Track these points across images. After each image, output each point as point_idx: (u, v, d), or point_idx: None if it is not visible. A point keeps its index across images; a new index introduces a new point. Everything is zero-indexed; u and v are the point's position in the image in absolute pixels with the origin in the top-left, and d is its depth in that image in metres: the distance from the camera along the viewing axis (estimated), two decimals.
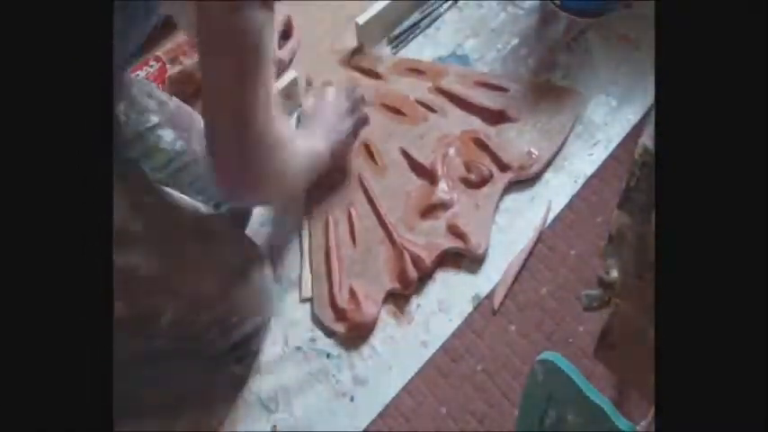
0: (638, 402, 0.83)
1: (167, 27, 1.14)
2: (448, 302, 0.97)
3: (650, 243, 0.57)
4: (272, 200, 0.99)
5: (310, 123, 0.99)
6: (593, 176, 1.05)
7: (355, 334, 0.95)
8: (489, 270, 0.99)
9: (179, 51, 1.14)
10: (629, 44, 1.15)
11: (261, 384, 0.93)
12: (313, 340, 0.95)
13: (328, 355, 0.94)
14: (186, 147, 0.91)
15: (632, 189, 0.57)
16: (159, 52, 1.14)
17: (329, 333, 0.96)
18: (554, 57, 1.15)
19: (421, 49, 1.19)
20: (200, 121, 0.93)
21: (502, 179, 1.03)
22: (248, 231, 1.01)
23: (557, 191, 1.04)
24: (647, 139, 0.54)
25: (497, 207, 1.02)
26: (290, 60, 1.10)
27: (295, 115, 1.11)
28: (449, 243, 0.99)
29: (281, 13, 1.10)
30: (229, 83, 0.67)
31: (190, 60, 1.13)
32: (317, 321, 0.96)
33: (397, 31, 1.20)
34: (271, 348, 0.95)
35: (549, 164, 1.05)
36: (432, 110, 1.11)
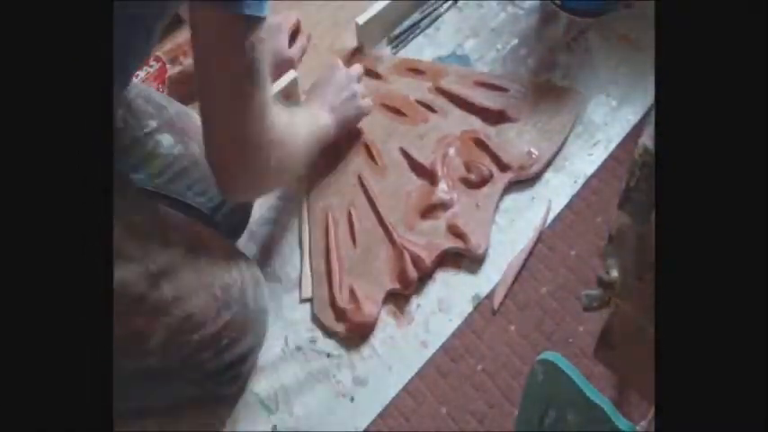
0: (638, 402, 0.83)
1: (167, 27, 1.14)
2: (448, 302, 0.97)
3: (650, 243, 0.56)
4: (274, 190, 1.02)
5: (317, 92, 1.00)
6: (593, 176, 1.05)
7: (355, 334, 0.95)
8: (489, 270, 0.99)
9: (179, 51, 1.14)
10: (629, 44, 1.15)
11: (261, 384, 0.93)
12: (313, 340, 0.95)
13: (328, 355, 0.94)
14: (185, 151, 0.90)
15: (632, 189, 0.57)
16: (159, 52, 1.14)
17: (329, 333, 0.96)
18: (554, 57, 1.15)
19: (421, 50, 1.19)
20: (199, 124, 0.93)
21: (502, 179, 1.03)
22: (247, 232, 1.01)
23: (557, 191, 1.04)
24: (647, 139, 0.54)
25: (497, 207, 1.02)
26: (300, 58, 1.10)
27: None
28: (449, 243, 0.99)
29: (288, 14, 1.10)
30: (223, 92, 0.68)
31: (190, 60, 1.13)
32: (317, 321, 0.96)
33: (397, 32, 1.20)
34: (271, 348, 0.95)
35: (549, 164, 1.05)
36: (432, 110, 1.11)
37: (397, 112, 1.11)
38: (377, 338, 0.95)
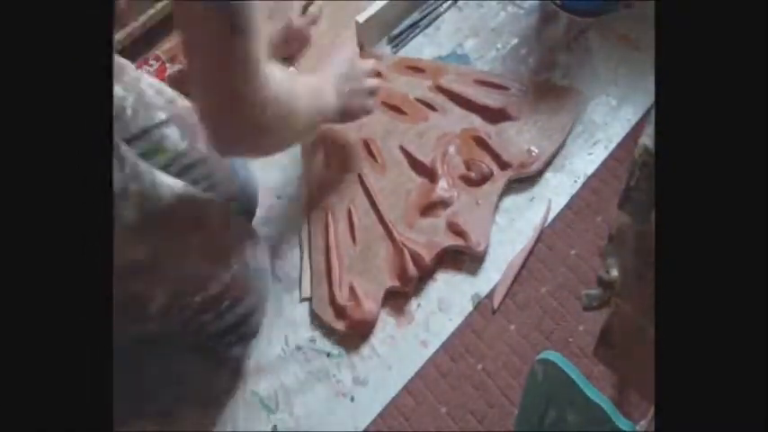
0: (638, 402, 0.83)
1: (167, 27, 1.14)
2: (448, 302, 0.97)
3: (650, 243, 0.56)
4: (271, 152, 0.93)
5: (327, 73, 0.96)
6: (593, 176, 1.05)
7: (355, 332, 0.95)
8: (489, 269, 0.99)
9: (179, 51, 1.14)
10: (629, 44, 1.15)
11: (261, 384, 0.93)
12: (313, 340, 0.95)
13: (328, 355, 0.94)
14: (191, 146, 0.90)
15: (632, 189, 0.57)
16: (159, 52, 1.14)
17: (329, 332, 0.96)
18: (554, 56, 1.15)
19: (421, 49, 1.19)
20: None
21: (502, 177, 1.03)
22: None
23: (557, 190, 1.04)
24: (647, 139, 0.54)
25: (497, 206, 1.02)
26: (310, 32, 1.07)
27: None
28: (449, 241, 0.99)
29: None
30: (205, 49, 0.65)
31: None
32: (317, 321, 0.96)
33: (396, 31, 1.20)
34: (271, 348, 0.95)
35: (549, 163, 1.05)
36: (432, 108, 1.11)
37: (397, 110, 1.11)
38: (377, 338, 0.95)
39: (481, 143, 1.06)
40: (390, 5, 1.16)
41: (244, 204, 0.96)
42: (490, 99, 1.10)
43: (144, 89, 0.87)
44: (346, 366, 0.93)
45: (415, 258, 0.97)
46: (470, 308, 0.96)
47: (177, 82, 1.12)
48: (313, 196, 1.05)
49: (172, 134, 0.88)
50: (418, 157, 1.05)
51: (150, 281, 0.75)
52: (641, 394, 0.80)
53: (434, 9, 1.22)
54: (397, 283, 0.97)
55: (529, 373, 0.69)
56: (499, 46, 1.18)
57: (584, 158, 1.06)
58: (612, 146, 1.07)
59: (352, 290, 0.96)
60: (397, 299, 0.97)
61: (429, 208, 1.01)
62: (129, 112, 0.84)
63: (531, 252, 0.99)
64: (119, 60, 0.87)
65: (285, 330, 0.96)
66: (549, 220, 1.02)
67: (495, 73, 1.14)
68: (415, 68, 1.15)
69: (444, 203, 1.01)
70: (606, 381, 0.87)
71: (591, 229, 1.01)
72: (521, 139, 1.06)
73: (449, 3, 1.23)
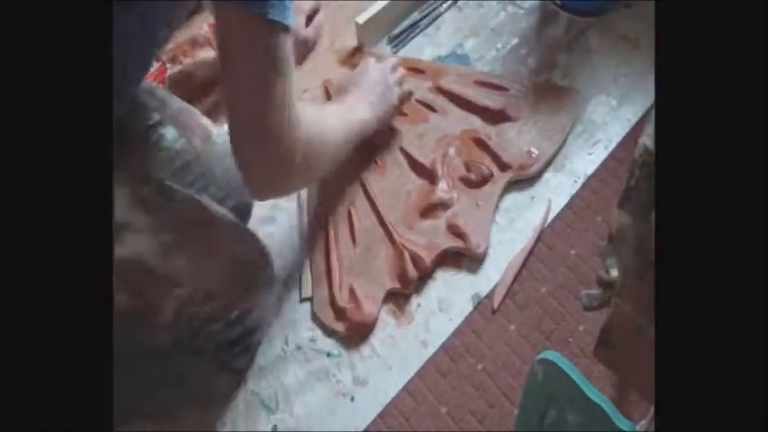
0: (638, 402, 0.83)
1: None
2: (448, 302, 0.97)
3: (650, 243, 0.57)
4: (304, 187, 1.02)
5: (351, 89, 1.00)
6: (593, 176, 1.05)
7: (355, 333, 0.95)
8: (489, 269, 0.99)
9: (179, 51, 1.14)
10: (629, 44, 1.15)
11: (261, 384, 0.93)
12: (313, 340, 0.95)
13: (329, 355, 0.94)
14: (187, 145, 0.90)
15: (632, 189, 0.57)
16: None
17: (329, 333, 0.96)
18: (554, 56, 1.15)
19: (421, 49, 1.19)
20: (200, 119, 0.94)
21: (502, 178, 1.03)
22: None
23: (557, 190, 1.04)
24: (647, 139, 0.54)
25: (497, 207, 1.02)
26: (315, 41, 1.09)
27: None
28: (449, 242, 0.99)
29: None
30: (247, 92, 0.69)
31: (190, 60, 1.13)
32: (317, 321, 0.96)
33: (396, 31, 1.20)
34: (271, 348, 0.95)
35: (549, 163, 1.05)
36: (432, 109, 1.11)
37: (398, 111, 1.11)
38: (377, 338, 0.95)
39: (481, 144, 1.06)
40: (390, 6, 1.16)
41: (240, 203, 0.96)
42: (490, 100, 1.10)
43: (136, 92, 0.88)
44: (346, 366, 0.93)
45: (416, 260, 0.97)
46: (470, 308, 0.96)
47: (178, 83, 1.12)
48: (313, 197, 1.05)
49: (168, 133, 0.89)
50: (418, 158, 1.06)
51: (163, 287, 0.76)
52: (641, 394, 0.80)
53: (434, 9, 1.22)
54: (397, 285, 0.97)
55: (529, 374, 0.69)
56: (499, 46, 1.18)
57: (584, 158, 1.06)
58: (612, 146, 1.07)
59: (352, 291, 0.96)
60: (397, 299, 0.97)
61: (429, 209, 1.02)
62: (123, 115, 0.85)
63: (531, 252, 0.99)
64: None
65: (285, 330, 0.96)
66: (549, 220, 1.02)
67: (495, 74, 1.14)
68: (415, 69, 1.15)
69: (444, 205, 1.01)
70: (606, 381, 0.87)
71: (591, 229, 1.01)
72: (521, 140, 1.06)
73: (449, 3, 1.23)
